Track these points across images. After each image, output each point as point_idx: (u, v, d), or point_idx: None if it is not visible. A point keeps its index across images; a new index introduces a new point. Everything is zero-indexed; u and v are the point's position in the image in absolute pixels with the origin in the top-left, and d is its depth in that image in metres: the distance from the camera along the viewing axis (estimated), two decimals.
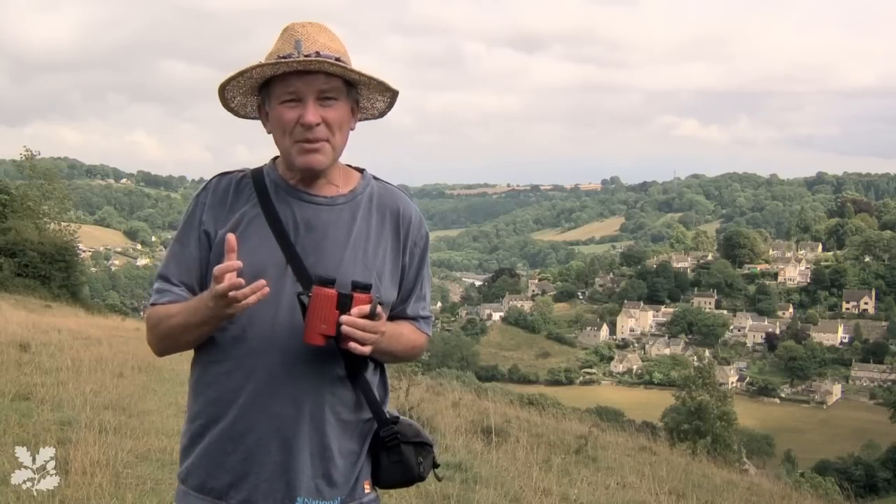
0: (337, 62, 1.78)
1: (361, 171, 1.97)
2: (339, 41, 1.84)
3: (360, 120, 1.93)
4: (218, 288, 1.67)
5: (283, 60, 1.76)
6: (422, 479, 1.95)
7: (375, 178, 1.98)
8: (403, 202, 1.96)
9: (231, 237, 1.73)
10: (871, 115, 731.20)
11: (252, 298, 1.68)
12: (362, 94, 1.91)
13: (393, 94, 1.91)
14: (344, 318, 1.72)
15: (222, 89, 1.85)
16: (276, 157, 1.94)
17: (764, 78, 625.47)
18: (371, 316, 1.74)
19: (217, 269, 1.69)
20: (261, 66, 1.78)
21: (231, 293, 1.67)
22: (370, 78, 1.83)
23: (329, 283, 1.75)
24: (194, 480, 1.86)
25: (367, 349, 1.75)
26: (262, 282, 1.69)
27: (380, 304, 1.77)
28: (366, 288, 1.75)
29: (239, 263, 1.68)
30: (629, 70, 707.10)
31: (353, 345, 1.74)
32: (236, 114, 1.93)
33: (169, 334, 1.84)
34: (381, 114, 1.99)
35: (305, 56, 1.75)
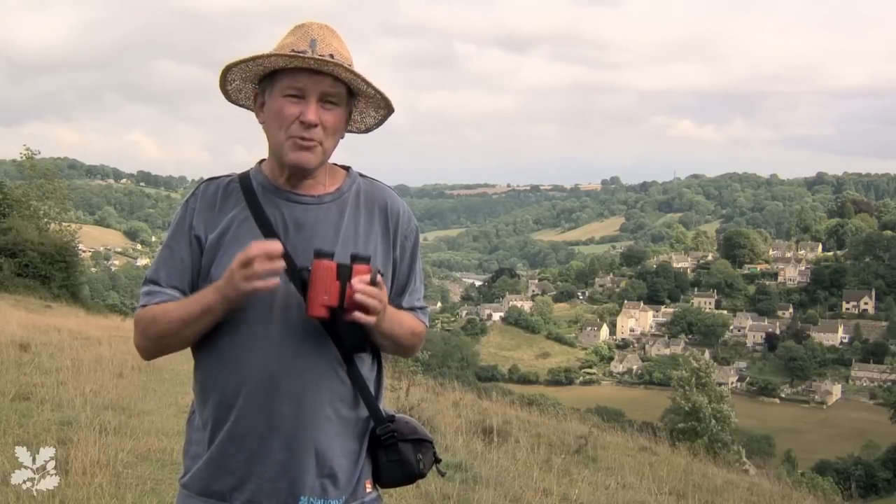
0: (348, 68, 1.79)
1: (347, 168, 1.98)
2: (347, 49, 1.86)
3: (346, 132, 1.94)
4: (250, 249, 1.69)
5: (299, 55, 1.77)
6: (422, 476, 1.95)
7: (362, 174, 1.99)
8: (391, 197, 1.97)
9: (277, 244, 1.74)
10: (866, 116, 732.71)
11: (264, 283, 1.70)
12: (357, 107, 1.93)
13: (386, 113, 1.95)
14: (353, 281, 1.72)
15: (227, 70, 1.85)
16: (261, 161, 1.95)
17: (756, 78, 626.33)
18: (372, 284, 1.74)
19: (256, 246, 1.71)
20: (276, 56, 1.79)
21: (256, 264, 1.69)
22: (377, 91, 1.85)
23: (328, 255, 1.75)
24: (198, 484, 1.86)
25: (372, 318, 1.75)
26: (281, 264, 1.72)
27: (380, 273, 1.76)
28: (364, 259, 1.76)
29: (280, 249, 1.71)
30: (620, 70, 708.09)
31: (358, 314, 1.73)
32: (228, 97, 1.93)
33: (167, 332, 1.83)
34: (368, 129, 2.01)
35: (320, 56, 1.77)
